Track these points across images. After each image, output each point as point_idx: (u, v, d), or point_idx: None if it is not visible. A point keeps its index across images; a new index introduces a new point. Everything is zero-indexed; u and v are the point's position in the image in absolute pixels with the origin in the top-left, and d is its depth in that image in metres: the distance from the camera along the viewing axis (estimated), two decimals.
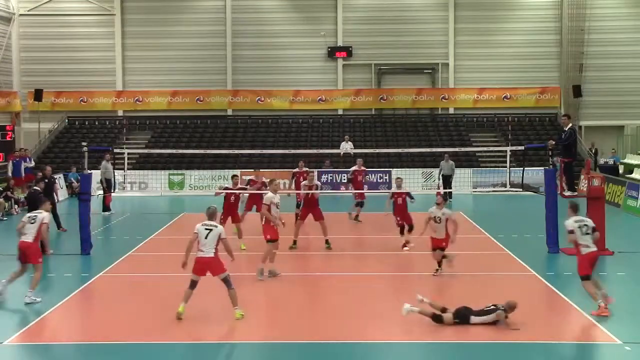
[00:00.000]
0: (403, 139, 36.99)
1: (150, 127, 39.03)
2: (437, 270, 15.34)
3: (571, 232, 12.47)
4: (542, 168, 20.03)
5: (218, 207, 13.94)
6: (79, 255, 17.93)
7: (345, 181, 28.50)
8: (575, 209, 12.93)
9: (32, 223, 13.58)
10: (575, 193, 18.56)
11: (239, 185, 19.72)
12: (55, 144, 38.25)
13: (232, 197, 18.50)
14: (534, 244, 18.61)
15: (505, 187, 22.07)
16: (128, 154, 24.51)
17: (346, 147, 32.85)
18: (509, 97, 38.91)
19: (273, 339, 11.45)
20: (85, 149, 19.02)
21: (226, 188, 19.12)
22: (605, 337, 11.29)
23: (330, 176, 32.72)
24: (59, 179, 29.06)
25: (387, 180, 32.21)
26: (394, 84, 39.45)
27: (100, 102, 39.59)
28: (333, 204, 25.07)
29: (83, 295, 14.40)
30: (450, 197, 28.77)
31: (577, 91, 36.61)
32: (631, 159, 35.58)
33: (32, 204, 17.75)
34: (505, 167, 22.07)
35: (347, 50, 39.06)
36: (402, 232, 18.45)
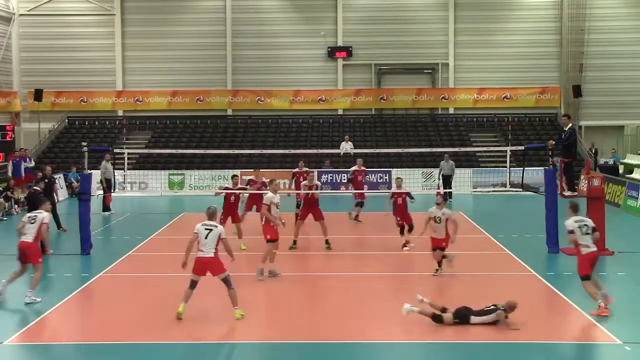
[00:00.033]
0: (403, 139, 36.99)
1: (150, 127, 39.03)
2: (437, 270, 15.35)
3: (571, 232, 12.47)
4: (542, 168, 20.03)
5: (218, 207, 13.95)
6: (79, 255, 17.94)
7: (345, 181, 28.49)
8: (575, 209, 12.93)
9: (32, 223, 13.58)
10: (575, 193, 18.56)
11: (239, 186, 19.72)
12: (55, 144, 38.25)
13: (232, 197, 18.50)
14: (534, 244, 18.61)
15: (505, 187, 22.07)
16: (128, 154, 24.51)
17: (346, 147, 32.85)
18: (509, 97, 38.91)
19: (273, 339, 11.45)
20: (85, 149, 19.03)
21: (226, 188, 19.13)
22: (605, 337, 11.29)
23: (330, 176, 32.71)
24: (59, 179, 29.06)
25: (387, 180, 32.21)
26: (394, 84, 39.44)
27: (100, 102, 39.59)
28: (333, 204, 25.07)
29: (83, 295, 14.41)
30: (450, 197, 28.76)
31: (577, 91, 36.61)
32: (631, 159, 35.59)
33: (32, 204, 17.73)
34: (505, 167, 22.07)
35: (347, 50, 39.06)
36: (402, 232, 18.45)
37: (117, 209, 26.52)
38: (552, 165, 18.57)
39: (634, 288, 14.63)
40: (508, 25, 39.21)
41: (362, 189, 24.48)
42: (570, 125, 18.13)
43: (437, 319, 11.70)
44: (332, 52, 39.09)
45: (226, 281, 12.16)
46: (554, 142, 18.58)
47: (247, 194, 19.82)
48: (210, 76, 39.44)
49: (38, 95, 36.98)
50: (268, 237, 15.26)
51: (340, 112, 39.63)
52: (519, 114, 38.83)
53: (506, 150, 22.07)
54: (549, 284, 14.66)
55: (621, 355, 10.68)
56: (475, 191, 31.10)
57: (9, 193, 25.83)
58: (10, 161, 29.62)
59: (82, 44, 39.43)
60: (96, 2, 39.36)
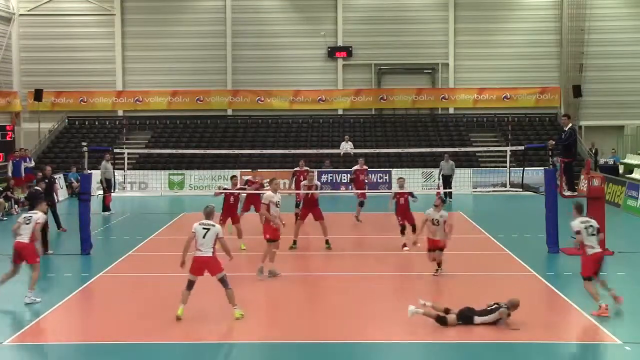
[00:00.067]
0: (403, 139, 36.98)
1: (150, 127, 39.03)
2: (437, 270, 15.34)
3: (578, 232, 12.53)
4: (542, 168, 20.03)
5: (218, 208, 13.94)
6: (79, 255, 17.94)
7: (347, 181, 28.45)
8: (580, 210, 13.07)
9: (28, 224, 13.55)
10: (575, 193, 18.57)
11: (238, 186, 19.70)
12: (55, 144, 38.24)
13: (232, 198, 18.48)
14: (534, 244, 18.61)
15: (505, 187, 22.07)
16: (128, 154, 24.50)
17: (346, 147, 32.85)
18: (509, 97, 38.90)
19: (273, 339, 11.45)
20: (85, 149, 19.04)
21: (225, 189, 19.11)
22: (605, 337, 11.30)
23: (330, 176, 32.71)
24: (59, 179, 29.06)
25: (387, 180, 32.22)
26: (394, 84, 39.44)
27: (100, 102, 39.59)
28: (333, 204, 25.07)
29: (83, 295, 14.41)
30: (450, 197, 28.82)
31: (577, 91, 36.60)
32: (631, 159, 35.58)
33: (33, 204, 17.69)
34: (505, 167, 22.07)
35: (347, 50, 39.05)
36: (402, 232, 18.45)
37: (117, 209, 26.52)
38: (552, 165, 18.55)
39: (634, 288, 14.62)
40: (508, 25, 39.20)
41: (365, 188, 24.45)
42: (570, 125, 18.14)
43: (441, 321, 11.68)
44: (332, 52, 39.09)
45: (223, 281, 12.15)
46: (554, 142, 18.59)
47: (245, 195, 19.81)
48: (210, 76, 39.43)
49: (38, 95, 36.98)
50: (267, 236, 15.27)
51: (340, 112, 39.62)
52: (519, 114, 38.82)
53: (506, 150, 22.07)
54: (549, 284, 14.66)
55: (621, 355, 10.69)
56: (475, 191, 31.09)
57: (9, 193, 25.83)
58: (10, 161, 29.61)
59: (82, 44, 39.42)
60: (96, 2, 39.36)
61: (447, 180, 29.14)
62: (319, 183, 20.52)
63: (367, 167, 24.37)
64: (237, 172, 25.26)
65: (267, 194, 15.54)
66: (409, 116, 39.45)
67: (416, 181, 29.39)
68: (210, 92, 39.36)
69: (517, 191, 22.66)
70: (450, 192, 28.38)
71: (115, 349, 10.93)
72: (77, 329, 12.39)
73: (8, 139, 34.56)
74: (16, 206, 25.87)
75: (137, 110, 39.50)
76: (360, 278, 15.57)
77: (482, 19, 39.03)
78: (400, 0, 39.22)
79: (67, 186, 31.19)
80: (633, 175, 32.82)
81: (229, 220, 18.36)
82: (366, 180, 25.22)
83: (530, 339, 11.16)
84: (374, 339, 11.35)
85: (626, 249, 18.26)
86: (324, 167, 33.10)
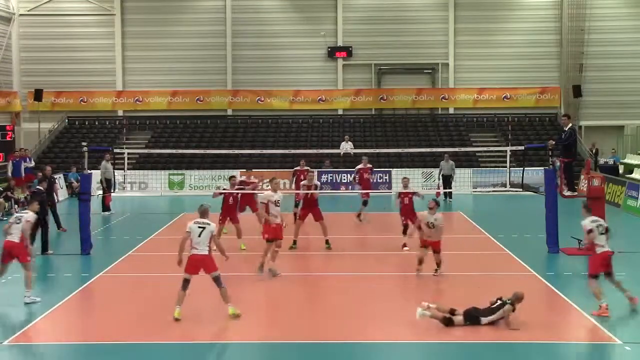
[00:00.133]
0: (403, 139, 36.98)
1: (150, 127, 39.02)
2: (436, 270, 15.34)
3: (590, 231, 12.59)
4: (542, 168, 20.02)
5: (217, 208, 13.93)
6: (79, 255, 17.94)
7: (351, 180, 28.36)
8: (589, 209, 13.09)
9: (18, 223, 13.56)
10: (575, 193, 18.57)
11: (237, 186, 19.67)
12: (55, 144, 38.24)
13: (231, 199, 18.46)
14: (534, 244, 18.61)
15: (505, 187, 22.07)
16: (128, 154, 24.50)
17: (346, 147, 32.86)
18: (509, 97, 38.89)
19: (273, 339, 11.45)
20: (85, 149, 19.05)
21: (224, 190, 19.07)
22: (605, 337, 11.30)
23: (330, 176, 32.70)
24: (59, 179, 29.07)
25: (387, 180, 32.22)
26: (394, 84, 39.43)
27: (100, 102, 39.58)
28: (333, 204, 25.06)
29: (83, 295, 14.41)
30: (451, 197, 28.85)
31: (577, 91, 36.60)
32: (631, 159, 35.58)
33: None
34: (505, 167, 22.07)
35: (347, 50, 39.05)
36: (404, 232, 18.44)
37: (117, 209, 26.52)
38: (552, 165, 18.54)
39: (634, 288, 14.59)
40: (508, 25, 39.19)
41: (370, 187, 24.41)
42: (570, 125, 18.15)
43: (448, 322, 11.67)
44: (332, 52, 39.08)
45: (217, 280, 12.17)
46: (554, 142, 18.58)
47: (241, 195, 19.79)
48: (210, 76, 39.42)
49: (38, 95, 36.97)
50: (265, 236, 15.27)
51: (340, 112, 39.62)
52: (519, 114, 38.82)
53: (506, 150, 22.07)
54: (549, 284, 14.67)
55: (621, 355, 10.69)
56: (475, 191, 31.08)
57: (9, 193, 25.81)
58: (10, 161, 29.57)
59: (82, 44, 39.41)
60: (96, 2, 39.35)
61: (447, 181, 29.14)
62: (318, 183, 20.50)
63: (371, 166, 24.32)
64: (236, 172, 25.26)
65: (265, 193, 15.55)
66: (409, 116, 39.45)
67: (416, 181, 29.39)
68: (210, 92, 39.35)
69: (517, 191, 22.66)
70: (450, 192, 28.39)
71: (115, 349, 10.93)
72: (77, 329, 12.38)
73: (8, 139, 34.56)
74: (16, 206, 25.84)
75: (137, 110, 39.49)
76: (360, 278, 15.57)
77: (482, 19, 39.02)
78: (400, 0, 39.21)
79: (67, 186, 31.19)
80: (633, 175, 32.82)
81: (230, 221, 18.33)
82: (370, 179, 25.17)
83: (530, 339, 11.16)
84: (374, 339, 11.34)
85: (626, 249, 18.21)
86: (324, 167, 33.09)
